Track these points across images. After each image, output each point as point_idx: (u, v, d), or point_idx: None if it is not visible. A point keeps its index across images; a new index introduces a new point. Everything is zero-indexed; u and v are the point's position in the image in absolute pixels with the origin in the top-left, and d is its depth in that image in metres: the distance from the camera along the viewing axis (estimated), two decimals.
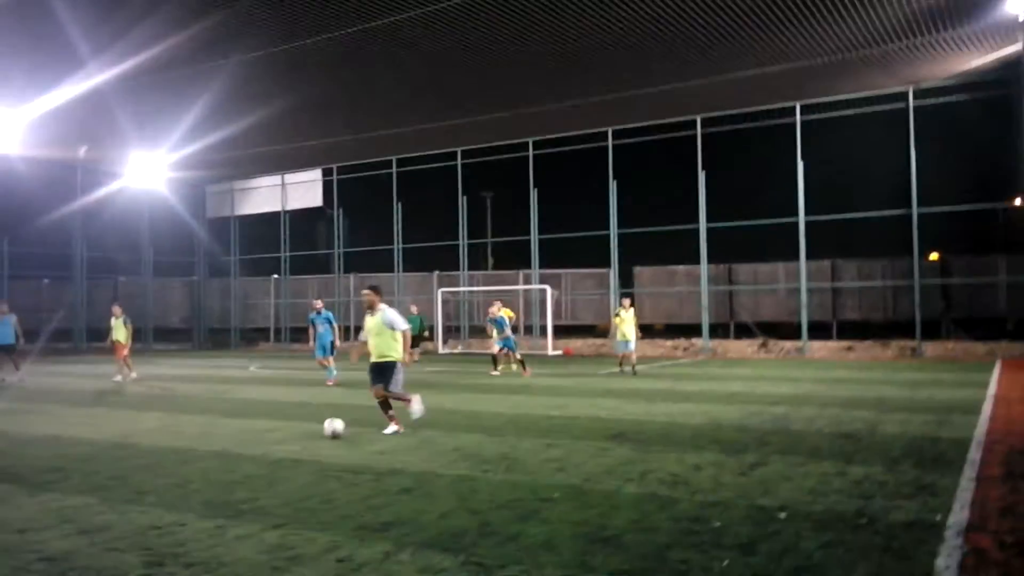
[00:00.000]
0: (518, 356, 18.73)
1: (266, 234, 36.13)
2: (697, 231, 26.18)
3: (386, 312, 9.70)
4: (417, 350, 23.21)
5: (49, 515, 5.87)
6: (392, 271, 32.66)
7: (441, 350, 29.44)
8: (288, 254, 35.59)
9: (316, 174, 34.75)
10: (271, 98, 22.85)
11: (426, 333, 24.65)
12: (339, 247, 34.04)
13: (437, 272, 32.25)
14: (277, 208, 35.70)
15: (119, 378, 18.55)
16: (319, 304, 17.28)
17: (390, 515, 5.74)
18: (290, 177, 35.26)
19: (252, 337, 36.59)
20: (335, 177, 34.08)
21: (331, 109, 25.10)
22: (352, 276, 34.08)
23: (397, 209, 32.21)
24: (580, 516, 5.63)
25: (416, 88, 22.76)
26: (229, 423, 10.92)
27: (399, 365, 9.70)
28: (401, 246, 32.42)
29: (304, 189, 35.24)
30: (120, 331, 18.94)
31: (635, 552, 4.78)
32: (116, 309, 19.55)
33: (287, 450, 8.54)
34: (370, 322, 9.77)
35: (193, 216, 37.68)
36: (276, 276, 36.22)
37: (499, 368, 19.05)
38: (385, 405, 9.74)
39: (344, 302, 33.34)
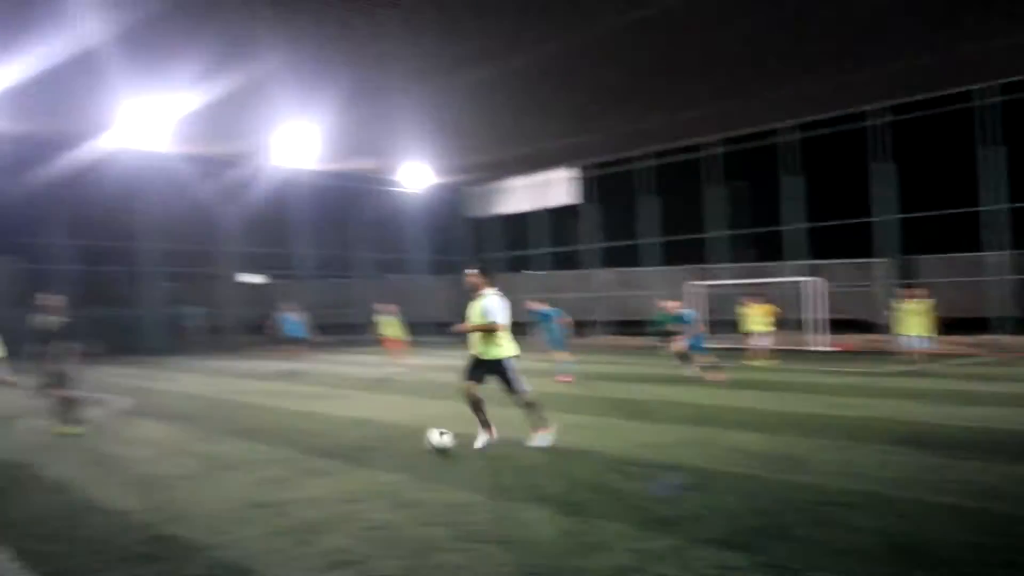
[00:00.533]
0: (703, 360, 16.02)
1: (526, 232, 37.71)
2: (988, 213, 23.31)
3: (488, 299, 8.37)
4: (665, 344, 23.33)
5: (369, 489, 6.61)
6: (647, 265, 32.64)
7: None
8: (545, 251, 36.86)
9: (571, 171, 35.64)
10: (534, 100, 23.91)
11: (669, 327, 24.20)
12: (594, 243, 34.65)
13: (688, 266, 31.70)
14: (534, 206, 37.13)
15: (393, 369, 20.37)
16: (535, 305, 17.41)
17: (676, 510, 5.76)
18: (546, 175, 36.50)
19: (514, 331, 38.27)
20: (590, 174, 34.75)
21: (588, 107, 25.63)
22: (608, 271, 34.56)
23: (652, 202, 32.13)
24: (886, 525, 5.27)
25: (677, 75, 22.54)
26: (502, 412, 11.53)
27: (510, 362, 8.36)
28: (657, 240, 32.28)
29: (559, 187, 36.30)
30: (390, 327, 20.54)
31: (960, 570, 4.39)
32: (386, 307, 21.09)
33: (570, 440, 8.85)
34: (472, 309, 8.53)
35: (457, 217, 40.41)
36: (534, 272, 37.65)
37: (693, 369, 16.87)
38: (477, 408, 8.50)
39: (598, 297, 33.91)
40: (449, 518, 5.61)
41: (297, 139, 28.76)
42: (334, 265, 37.49)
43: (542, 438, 8.38)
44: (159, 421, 11.26)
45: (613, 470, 7.23)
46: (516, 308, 31.67)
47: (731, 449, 8.18)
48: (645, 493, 6.29)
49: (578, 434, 9.30)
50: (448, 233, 40.40)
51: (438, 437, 8.10)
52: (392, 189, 37.85)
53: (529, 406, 8.44)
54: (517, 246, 38.33)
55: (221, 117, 25.39)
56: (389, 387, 15.76)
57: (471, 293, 8.47)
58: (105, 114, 24.68)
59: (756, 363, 19.04)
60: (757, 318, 20.05)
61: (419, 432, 9.68)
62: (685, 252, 31.83)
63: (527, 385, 8.42)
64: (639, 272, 33.46)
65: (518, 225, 38.19)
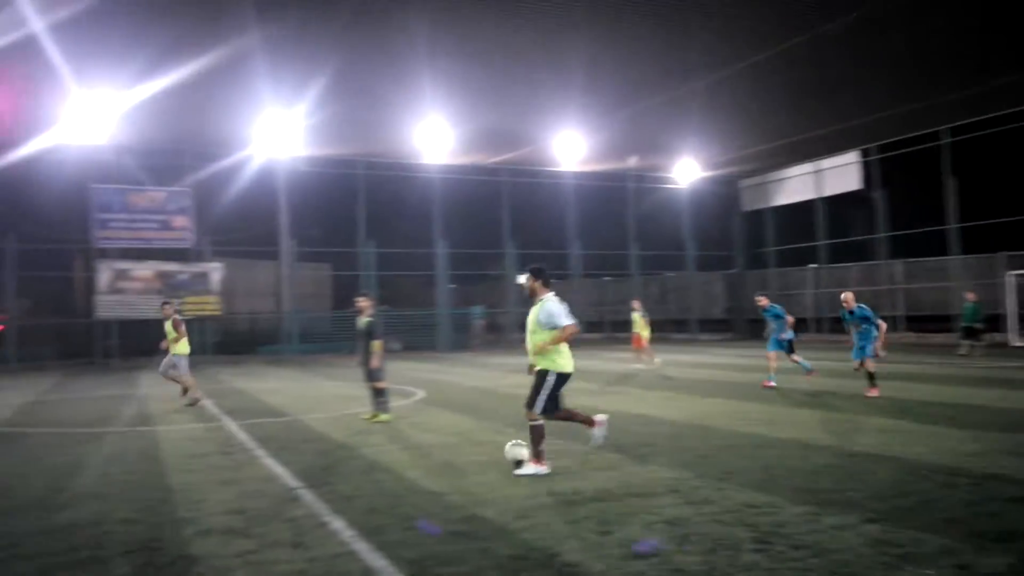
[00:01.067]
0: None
1: (801, 223, 35.67)
2: None
3: (547, 304, 7.41)
4: (968, 342, 21.21)
5: (656, 484, 6.67)
6: (945, 254, 29.37)
7: (1016, 342, 25.46)
8: (825, 242, 34.58)
9: (853, 156, 33.11)
10: (811, 82, 22.60)
11: (979, 325, 21.46)
12: (882, 231, 31.87)
13: (1005, 253, 27.93)
14: (812, 196, 34.99)
15: (639, 366, 20.19)
16: (763, 301, 15.63)
17: (1006, 525, 5.15)
18: (825, 162, 34.24)
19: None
20: (874, 157, 32.01)
21: (872, 83, 23.65)
22: (899, 263, 31.62)
23: (950, 185, 28.83)
24: None
25: (983, 37, 20.09)
26: (795, 412, 11.04)
27: (551, 376, 7.33)
28: (956, 226, 28.92)
29: (840, 173, 33.89)
30: (639, 323, 20.37)
31: None
32: (635, 304, 20.88)
33: (863, 443, 8.28)
34: (530, 315, 7.59)
35: (729, 211, 39.26)
36: (813, 266, 35.48)
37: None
38: (536, 433, 7.33)
39: (889, 290, 31.12)
40: (746, 518, 5.49)
41: (570, 142, 29.76)
42: (607, 264, 38.18)
43: (532, 468, 7.24)
44: (453, 412, 12.23)
45: (922, 478, 6.62)
46: (789, 303, 29.42)
47: None
48: (964, 505, 5.69)
49: (872, 437, 8.64)
50: (720, 228, 39.43)
51: (513, 449, 7.39)
52: (663, 186, 37.76)
53: (532, 431, 7.36)
54: (795, 239, 36.34)
55: (500, 126, 27.04)
56: (663, 384, 15.74)
57: (529, 298, 7.64)
58: (408, 138, 27.41)
59: None
60: None
61: (700, 430, 9.61)
62: (987, 238, 28.14)
63: (543, 408, 7.33)
64: (936, 262, 30.18)
65: (796, 216, 36.19)
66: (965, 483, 6.38)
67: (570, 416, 7.63)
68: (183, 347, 13.94)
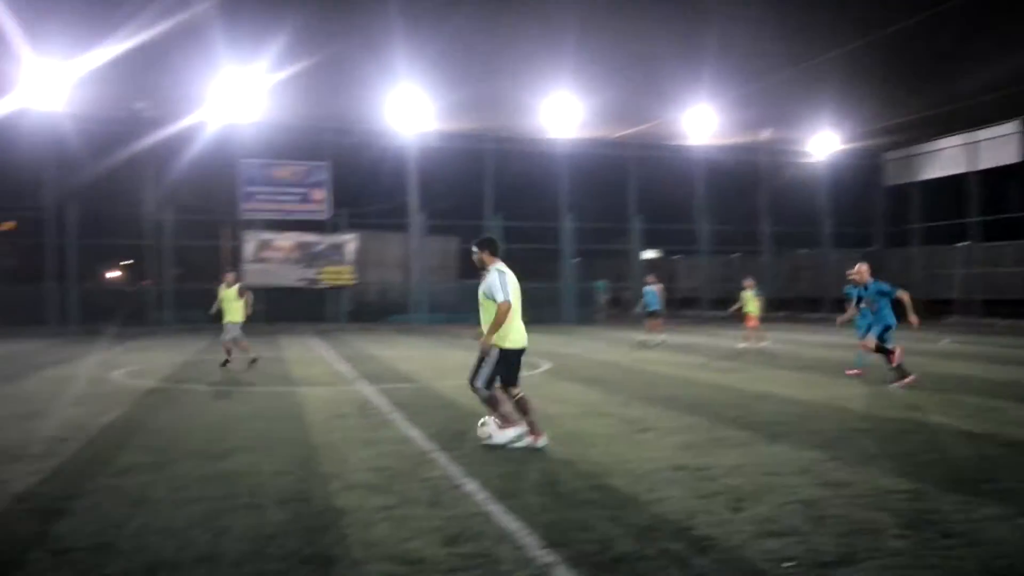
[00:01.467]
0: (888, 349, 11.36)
1: (950, 198, 33.40)
2: None
3: (490, 275, 7.11)
4: None
5: (788, 464, 6.51)
6: None
7: None
8: (978, 219, 32.25)
9: (1012, 127, 30.61)
10: (961, 49, 21.01)
11: None
12: None
13: None
14: (964, 169, 32.65)
15: (743, 345, 19.37)
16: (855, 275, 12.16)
17: None
18: (981, 133, 31.82)
19: (937, 309, 34.31)
20: None
21: None
22: None
23: None
24: None
25: None
26: (941, 397, 10.46)
27: (494, 352, 7.02)
28: None
29: (997, 145, 31.44)
30: (751, 303, 19.54)
31: None
32: (747, 282, 20.09)
33: (1021, 434, 7.77)
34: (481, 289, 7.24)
35: (870, 185, 37.21)
36: (965, 243, 33.19)
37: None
38: (491, 403, 7.23)
39: None
40: (889, 504, 5.29)
41: (700, 115, 29.00)
42: (736, 240, 37.14)
43: (502, 435, 7.11)
44: (578, 383, 12.32)
45: None
46: (935, 283, 27.66)
47: None
48: None
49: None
50: (859, 203, 37.42)
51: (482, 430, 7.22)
52: (798, 160, 36.19)
53: (486, 404, 7.25)
54: (944, 215, 34.07)
55: (628, 99, 26.71)
56: (794, 364, 15.24)
57: (480, 270, 7.34)
58: (536, 111, 27.53)
59: None
60: None
61: (832, 411, 9.28)
62: None
63: (485, 384, 7.14)
64: None
65: (945, 191, 33.89)
66: None
67: (518, 406, 7.23)
68: (238, 314, 14.93)
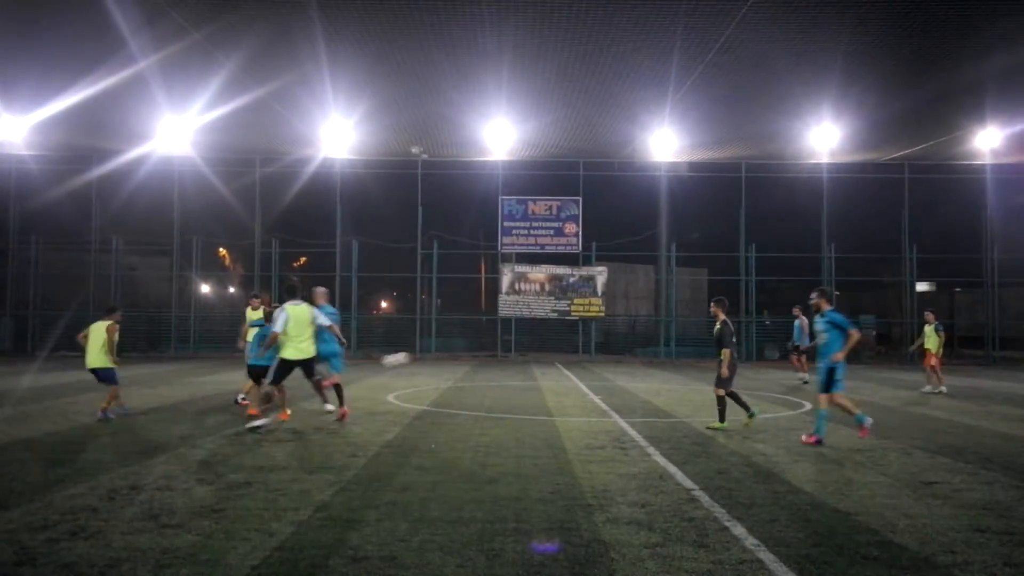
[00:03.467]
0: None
1: None
2: None
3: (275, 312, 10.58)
4: None
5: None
6: None
7: None
8: None
9: None
10: None
11: None
12: None
13: None
14: None
15: (928, 388, 17.13)
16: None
17: None
18: None
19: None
20: None
21: None
22: None
23: None
24: None
25: None
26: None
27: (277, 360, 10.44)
28: None
29: None
30: (931, 339, 17.21)
31: None
32: (929, 316, 17.74)
33: None
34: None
35: None
36: None
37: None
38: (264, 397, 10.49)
39: None
40: None
41: (984, 133, 26.06)
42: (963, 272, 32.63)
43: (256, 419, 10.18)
44: (851, 426, 11.38)
45: None
46: None
47: None
48: None
49: None
50: None
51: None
52: None
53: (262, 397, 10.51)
54: None
55: (894, 120, 24.73)
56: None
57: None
58: (796, 137, 26.37)
59: None
60: None
61: None
62: None
63: (271, 380, 10.34)
64: None
65: None
66: None
67: (276, 394, 10.58)
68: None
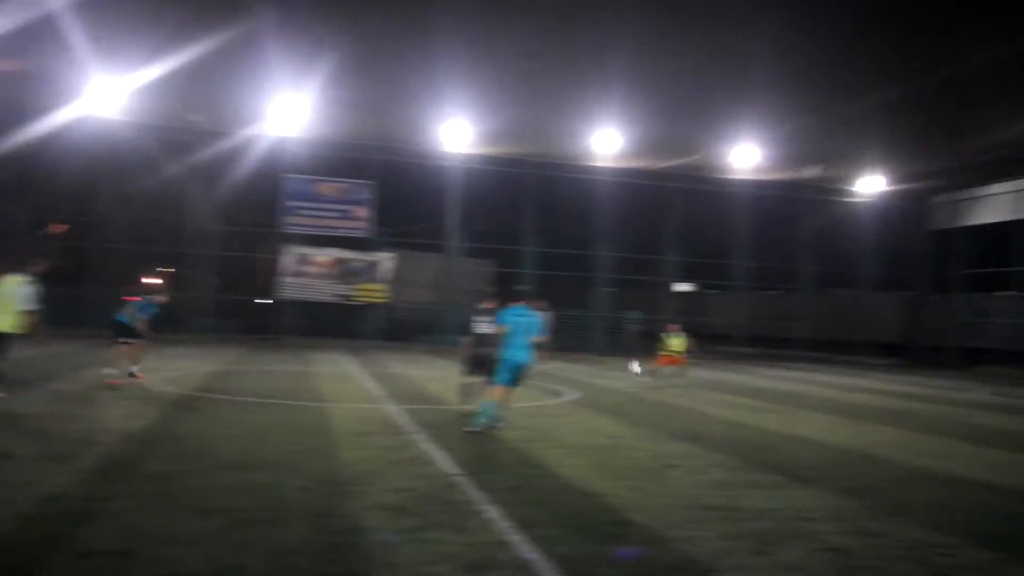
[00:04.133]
0: None
1: (997, 246, 32.74)
2: None
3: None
4: None
5: (820, 510, 6.38)
6: None
7: None
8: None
9: None
10: (1013, 94, 20.73)
11: None
12: None
13: None
14: (1013, 216, 32.01)
15: (643, 375, 18.75)
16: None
17: None
18: None
19: (974, 359, 33.54)
20: None
21: None
22: None
23: None
24: None
25: None
26: (971, 450, 10.22)
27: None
28: None
29: None
30: (676, 343, 18.06)
31: None
32: (675, 327, 18.55)
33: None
34: None
35: (914, 229, 36.65)
36: (1006, 293, 32.48)
37: None
38: None
39: None
40: (921, 557, 5.16)
41: (745, 150, 28.81)
42: (774, 278, 36.72)
43: None
44: (606, 415, 12.22)
45: None
46: (973, 332, 26.47)
47: None
48: None
49: None
50: (902, 246, 36.79)
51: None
52: (843, 199, 35.78)
53: None
54: (990, 262, 33.37)
55: (668, 131, 26.73)
56: (827, 407, 14.97)
57: None
58: (578, 139, 27.69)
59: None
60: None
61: (868, 459, 9.10)
62: None
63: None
64: None
65: (991, 238, 33.22)
66: None
67: None
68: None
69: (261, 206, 31.18)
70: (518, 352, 9.51)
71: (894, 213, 36.04)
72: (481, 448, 8.60)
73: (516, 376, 9.61)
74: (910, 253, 36.88)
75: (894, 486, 7.58)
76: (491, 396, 9.73)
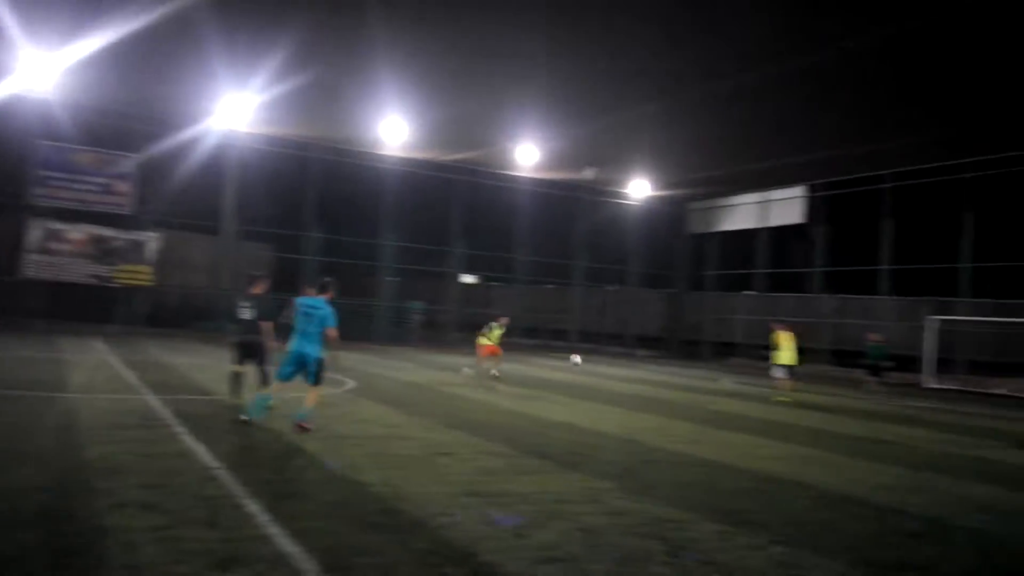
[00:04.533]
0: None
1: (743, 250, 36.50)
2: None
3: None
4: (874, 379, 21.54)
5: (578, 493, 6.78)
6: (876, 294, 30.39)
7: (929, 384, 26.44)
8: (764, 271, 35.42)
9: (799, 191, 34.02)
10: (765, 116, 23.21)
11: (884, 363, 22.13)
12: (819, 266, 32.80)
13: (930, 298, 29.07)
14: (756, 225, 35.83)
15: (468, 370, 19.35)
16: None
17: (900, 557, 5.40)
18: (773, 194, 35.11)
19: (724, 351, 37.24)
20: (820, 193, 32.98)
21: (819, 123, 24.42)
22: (830, 297, 32.64)
23: (887, 227, 29.83)
24: None
25: (916, 97, 20.98)
26: (717, 434, 11.32)
27: None
28: (889, 267, 29.94)
29: (786, 206, 34.78)
30: (494, 334, 19.14)
31: None
32: (501, 319, 19.61)
33: (780, 469, 8.55)
34: None
35: (675, 232, 39.97)
36: (749, 292, 36.33)
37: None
38: None
39: (823, 323, 32.17)
40: (661, 532, 5.63)
41: (527, 149, 29.78)
42: (552, 272, 38.45)
43: None
44: (383, 404, 12.20)
45: (828, 506, 6.89)
46: (723, 327, 29.16)
47: (964, 499, 7.50)
48: (865, 535, 5.94)
49: (788, 464, 8.93)
50: (665, 247, 40.06)
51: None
52: (615, 200, 38.24)
53: None
54: (736, 265, 37.14)
55: (455, 126, 27.07)
56: (592, 395, 15.95)
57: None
58: (366, 127, 27.20)
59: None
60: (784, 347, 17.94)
61: (627, 443, 9.79)
62: (920, 283, 29.20)
63: None
64: (865, 300, 31.27)
65: (739, 243, 37.01)
66: (869, 514, 6.66)
67: None
68: None
69: (3, 174, 27.70)
70: (305, 344, 9.15)
71: (658, 216, 39.12)
72: (247, 440, 8.25)
73: (300, 369, 9.20)
74: (672, 254, 40.19)
75: (646, 468, 8.21)
76: (268, 388, 9.37)
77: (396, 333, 33.10)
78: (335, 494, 6.16)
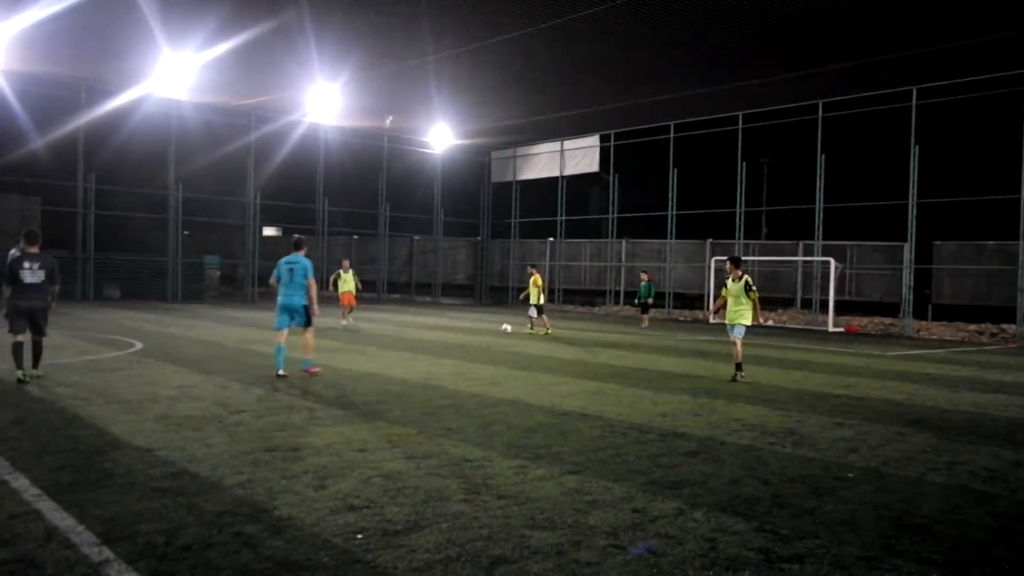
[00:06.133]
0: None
1: (545, 198, 37.63)
2: (1017, 201, 23.03)
3: None
4: (647, 315, 24.90)
5: (380, 440, 6.80)
6: (664, 238, 32.57)
7: (712, 320, 28.93)
8: (563, 218, 36.81)
9: (594, 140, 35.44)
10: (555, 67, 23.77)
11: (650, 300, 24.77)
12: (613, 212, 34.56)
13: (710, 240, 31.62)
14: (556, 174, 37.01)
15: (344, 323, 20.24)
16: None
17: (679, 475, 5.91)
18: (569, 143, 36.32)
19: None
20: (612, 143, 34.54)
21: (609, 75, 25.44)
22: (623, 241, 34.56)
23: (672, 175, 31.89)
24: (881, 499, 5.39)
25: (695, 51, 22.34)
26: (517, 375, 11.73)
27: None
28: (675, 212, 32.11)
29: (582, 155, 36.11)
30: (349, 283, 20.67)
31: (946, 544, 4.51)
32: (346, 264, 21.16)
33: (573, 404, 9.03)
34: None
35: (479, 181, 40.43)
36: (551, 239, 37.68)
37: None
38: None
39: (615, 267, 33.97)
40: (460, 472, 5.78)
41: (326, 96, 28.58)
42: (358, 222, 37.72)
43: None
44: (174, 365, 11.52)
45: (617, 434, 7.39)
46: (526, 273, 30.13)
47: (734, 420, 8.32)
48: (649, 457, 6.44)
49: (582, 399, 9.46)
50: (470, 196, 40.48)
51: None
52: (420, 150, 37.93)
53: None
54: (538, 212, 38.26)
55: (251, 68, 25.53)
56: (399, 345, 15.97)
57: None
58: (140, 63, 24.83)
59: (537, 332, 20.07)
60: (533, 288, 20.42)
61: (429, 389, 9.91)
62: (706, 226, 31.62)
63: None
64: (655, 244, 33.46)
65: (540, 191, 38.08)
66: (653, 439, 7.22)
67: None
68: None
69: None
70: (291, 295, 10.65)
71: (463, 165, 39.39)
72: (18, 411, 7.51)
73: (292, 317, 10.71)
74: (476, 202, 40.70)
75: (447, 411, 8.36)
76: (277, 339, 10.62)
77: (190, 290, 31.23)
78: (117, 463, 5.76)
